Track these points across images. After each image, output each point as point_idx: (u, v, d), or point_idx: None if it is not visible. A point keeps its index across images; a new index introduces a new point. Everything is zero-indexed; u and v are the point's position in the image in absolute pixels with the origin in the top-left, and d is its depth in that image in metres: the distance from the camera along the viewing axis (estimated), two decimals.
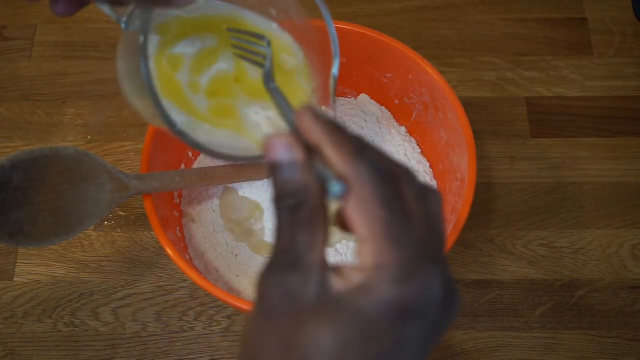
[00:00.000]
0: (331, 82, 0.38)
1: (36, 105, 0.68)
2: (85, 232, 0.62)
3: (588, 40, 0.71)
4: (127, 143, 0.66)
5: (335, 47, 0.38)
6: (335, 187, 0.26)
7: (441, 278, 0.25)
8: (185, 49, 0.38)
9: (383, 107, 0.63)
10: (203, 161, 0.62)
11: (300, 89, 0.40)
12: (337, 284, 0.25)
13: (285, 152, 0.27)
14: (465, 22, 0.72)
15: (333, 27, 0.38)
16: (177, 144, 0.58)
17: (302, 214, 0.26)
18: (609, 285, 0.59)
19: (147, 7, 0.34)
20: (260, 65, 0.37)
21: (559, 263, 0.60)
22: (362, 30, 0.56)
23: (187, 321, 0.58)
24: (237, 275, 0.56)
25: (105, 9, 0.36)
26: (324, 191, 0.26)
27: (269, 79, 0.35)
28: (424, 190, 0.27)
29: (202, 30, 0.39)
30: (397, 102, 0.62)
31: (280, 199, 0.26)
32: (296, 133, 0.28)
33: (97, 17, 0.73)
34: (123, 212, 0.63)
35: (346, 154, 0.26)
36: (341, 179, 0.26)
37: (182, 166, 0.60)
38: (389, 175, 0.26)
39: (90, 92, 0.69)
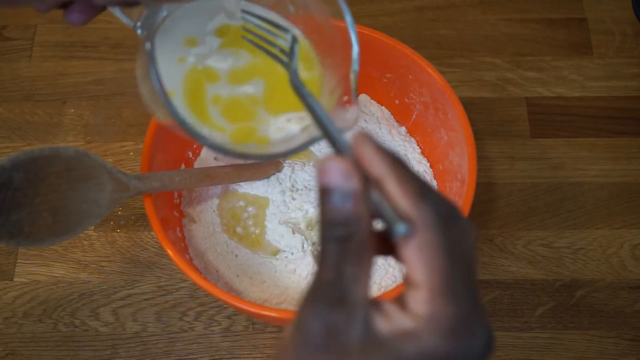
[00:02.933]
0: (352, 77, 0.36)
1: (36, 105, 0.68)
2: (85, 232, 0.61)
3: (588, 40, 0.71)
4: (127, 143, 0.66)
5: (354, 37, 0.35)
6: (401, 228, 0.24)
7: (486, 332, 0.25)
8: (219, 64, 0.38)
9: (383, 107, 0.63)
10: (203, 161, 0.62)
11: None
12: (382, 324, 0.25)
13: (341, 179, 0.25)
14: (465, 22, 0.72)
15: (350, 17, 0.35)
16: (177, 144, 0.58)
17: (351, 246, 0.25)
18: (609, 285, 0.59)
19: (155, 2, 0.34)
20: (281, 61, 0.35)
21: (559, 263, 0.60)
22: (362, 30, 0.55)
23: (187, 321, 0.58)
24: (237, 275, 0.56)
25: (119, 15, 0.35)
26: (373, 223, 0.25)
27: (297, 81, 0.32)
28: (466, 227, 0.26)
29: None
30: (397, 102, 0.62)
31: (329, 227, 0.25)
32: (353, 159, 0.26)
33: (97, 17, 0.72)
34: (123, 212, 0.63)
35: (412, 193, 0.25)
36: (404, 218, 0.25)
37: (182, 166, 0.60)
38: (449, 220, 0.25)
39: (90, 92, 0.69)
